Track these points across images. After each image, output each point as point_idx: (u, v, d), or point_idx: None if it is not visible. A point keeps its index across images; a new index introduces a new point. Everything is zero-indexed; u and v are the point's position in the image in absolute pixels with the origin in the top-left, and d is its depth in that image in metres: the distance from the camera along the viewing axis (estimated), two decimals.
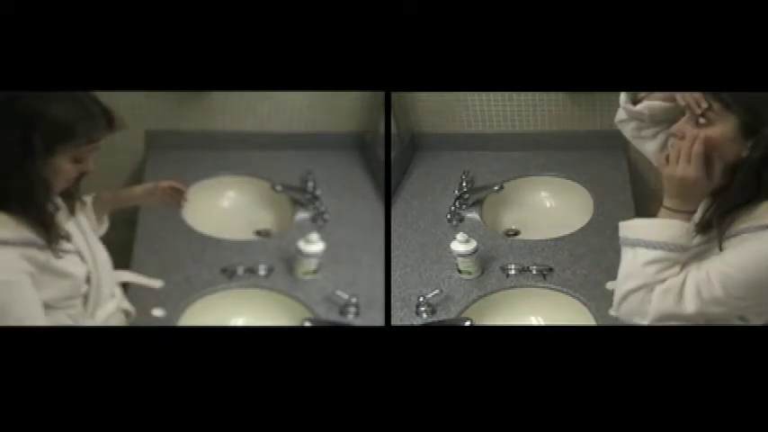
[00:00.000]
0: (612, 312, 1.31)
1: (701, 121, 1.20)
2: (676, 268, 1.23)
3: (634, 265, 1.24)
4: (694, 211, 1.25)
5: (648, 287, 1.23)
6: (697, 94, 1.21)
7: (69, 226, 1.40)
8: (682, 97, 1.23)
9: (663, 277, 1.22)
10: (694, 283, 1.20)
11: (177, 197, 1.71)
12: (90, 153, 1.32)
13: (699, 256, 1.25)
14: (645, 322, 1.24)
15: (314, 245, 1.88)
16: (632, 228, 1.27)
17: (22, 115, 1.23)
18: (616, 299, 1.27)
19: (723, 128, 1.19)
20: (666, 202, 1.25)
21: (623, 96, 1.46)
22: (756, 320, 1.25)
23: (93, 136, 1.29)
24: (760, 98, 1.17)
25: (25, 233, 1.27)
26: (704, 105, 1.19)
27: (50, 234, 1.31)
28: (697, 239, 1.28)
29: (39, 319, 1.30)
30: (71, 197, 1.42)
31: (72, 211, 1.43)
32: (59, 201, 1.39)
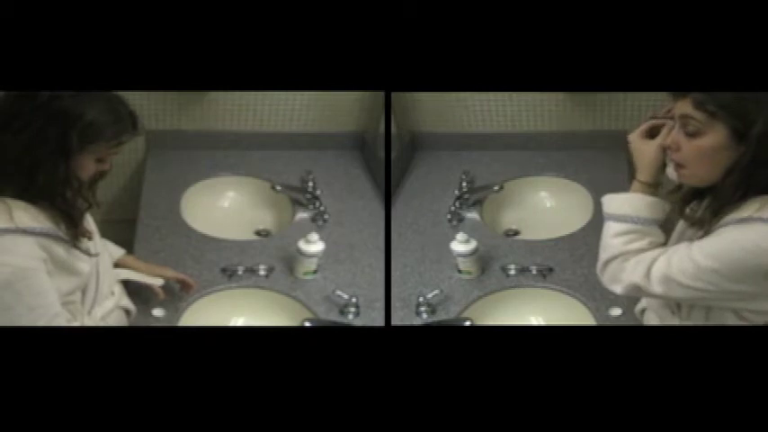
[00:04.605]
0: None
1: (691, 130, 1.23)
2: (646, 241, 1.31)
3: (606, 236, 1.36)
4: (660, 184, 1.35)
5: (623, 257, 1.32)
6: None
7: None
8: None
9: (631, 249, 1.31)
10: (662, 263, 1.27)
11: (184, 288, 1.79)
12: (112, 154, 1.37)
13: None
14: (618, 290, 1.34)
15: (314, 245, 1.87)
16: (606, 202, 1.38)
17: (63, 113, 1.27)
18: (598, 268, 1.38)
19: (714, 136, 1.20)
20: (637, 175, 1.36)
21: None
22: (756, 319, 1.25)
23: (122, 138, 1.35)
24: (745, 100, 1.18)
25: (47, 224, 1.30)
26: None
27: (76, 230, 1.35)
28: (690, 233, 1.31)
29: (52, 307, 1.33)
30: (86, 195, 1.43)
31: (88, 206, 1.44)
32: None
